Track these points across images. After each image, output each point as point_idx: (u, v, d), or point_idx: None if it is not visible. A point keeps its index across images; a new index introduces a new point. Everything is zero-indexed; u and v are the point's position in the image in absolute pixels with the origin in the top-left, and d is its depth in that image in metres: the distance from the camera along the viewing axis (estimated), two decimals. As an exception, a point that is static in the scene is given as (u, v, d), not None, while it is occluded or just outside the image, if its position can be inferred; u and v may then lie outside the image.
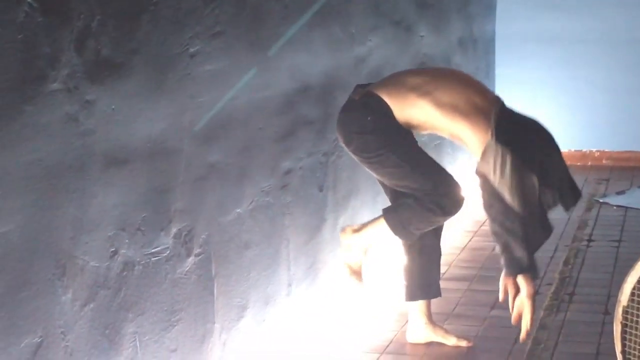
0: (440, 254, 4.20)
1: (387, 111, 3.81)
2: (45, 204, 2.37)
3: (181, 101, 3.04)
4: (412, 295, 4.17)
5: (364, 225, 4.01)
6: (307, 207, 4.10)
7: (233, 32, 3.37)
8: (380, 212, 3.98)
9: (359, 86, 3.99)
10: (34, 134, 2.32)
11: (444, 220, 4.03)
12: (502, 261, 3.74)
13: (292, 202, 3.94)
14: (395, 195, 3.99)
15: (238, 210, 3.46)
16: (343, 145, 3.95)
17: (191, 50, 3.08)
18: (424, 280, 4.14)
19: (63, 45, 2.42)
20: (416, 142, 3.98)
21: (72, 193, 2.48)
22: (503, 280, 3.76)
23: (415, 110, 3.83)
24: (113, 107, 2.65)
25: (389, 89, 3.87)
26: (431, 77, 3.97)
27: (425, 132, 4.02)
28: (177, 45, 3.00)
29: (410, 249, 4.10)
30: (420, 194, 3.82)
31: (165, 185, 2.96)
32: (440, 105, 3.82)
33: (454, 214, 3.94)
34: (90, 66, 2.53)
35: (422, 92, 3.84)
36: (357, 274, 4.07)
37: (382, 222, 3.93)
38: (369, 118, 3.81)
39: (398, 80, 3.94)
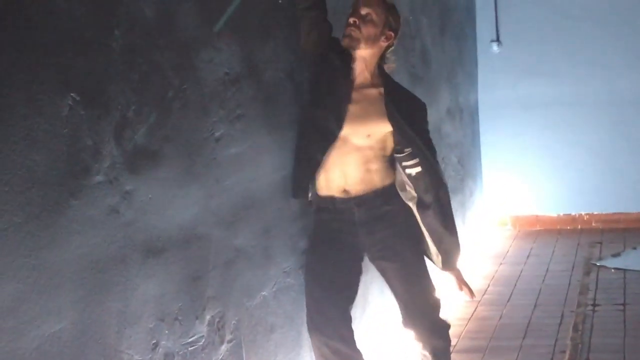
0: None
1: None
2: (93, 299, 2.32)
3: (208, 186, 3.01)
4: None
5: None
6: (324, 285, 4.05)
7: (252, 114, 3.36)
8: None
9: None
10: (80, 228, 2.28)
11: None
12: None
13: (311, 281, 3.89)
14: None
15: (263, 293, 3.42)
16: None
17: (216, 134, 3.06)
18: None
19: (104, 136, 2.39)
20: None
21: (116, 286, 2.43)
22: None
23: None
24: (150, 196, 2.62)
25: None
26: None
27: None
28: (204, 130, 2.98)
29: None
30: None
31: (198, 272, 2.92)
32: None
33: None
34: (128, 156, 2.51)
35: None
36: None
37: None
38: None
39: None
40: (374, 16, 3.72)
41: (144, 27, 2.62)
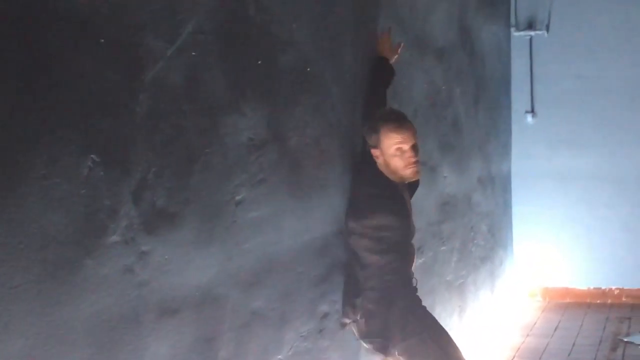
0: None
1: None
2: (104, 357, 2.36)
3: (228, 248, 3.05)
4: None
5: None
6: (343, 351, 4.07)
7: (275, 179, 3.41)
8: None
9: None
10: (94, 286, 2.32)
11: None
12: None
13: (329, 346, 3.91)
14: None
15: (279, 357, 3.43)
16: None
17: (237, 198, 3.11)
18: None
19: (122, 197, 2.45)
20: None
21: (127, 345, 2.47)
22: None
23: None
24: (166, 257, 2.66)
25: None
26: None
27: None
28: (225, 193, 3.03)
29: None
30: None
31: (212, 334, 2.95)
32: None
33: None
34: (146, 217, 2.56)
35: None
36: None
37: None
38: None
39: None
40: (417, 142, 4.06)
41: (169, 92, 2.69)
